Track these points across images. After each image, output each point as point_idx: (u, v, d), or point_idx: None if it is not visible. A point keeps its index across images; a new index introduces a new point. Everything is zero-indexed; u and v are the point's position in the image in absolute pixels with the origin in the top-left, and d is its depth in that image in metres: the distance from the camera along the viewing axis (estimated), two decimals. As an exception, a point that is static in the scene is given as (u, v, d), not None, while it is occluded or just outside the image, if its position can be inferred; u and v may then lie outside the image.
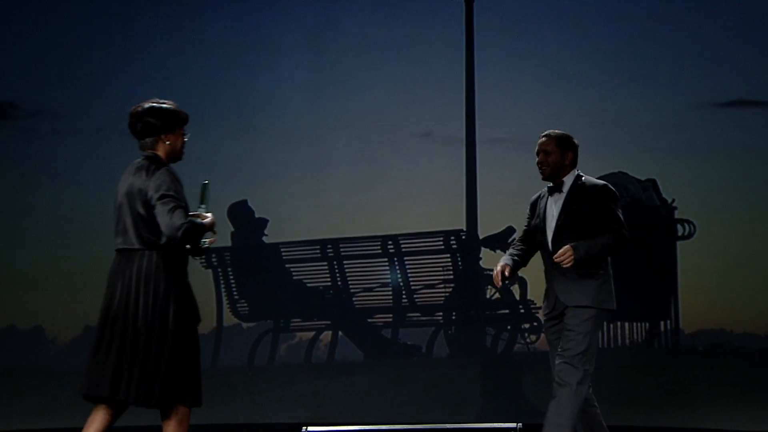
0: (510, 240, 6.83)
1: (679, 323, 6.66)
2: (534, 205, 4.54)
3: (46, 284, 6.96)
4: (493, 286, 6.84)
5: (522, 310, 6.82)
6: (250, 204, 7.04)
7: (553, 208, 4.41)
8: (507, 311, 6.86)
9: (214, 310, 7.02)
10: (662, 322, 6.70)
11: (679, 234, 6.65)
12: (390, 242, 6.96)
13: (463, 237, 6.89)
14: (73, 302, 6.97)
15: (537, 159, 4.45)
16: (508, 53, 6.91)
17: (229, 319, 7.02)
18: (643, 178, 6.75)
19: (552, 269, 4.36)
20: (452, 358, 6.83)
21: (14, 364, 6.99)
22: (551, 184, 4.45)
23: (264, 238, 7.09)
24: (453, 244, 6.88)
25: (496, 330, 6.87)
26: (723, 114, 6.68)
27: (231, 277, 7.14)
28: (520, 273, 6.76)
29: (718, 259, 6.65)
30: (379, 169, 6.96)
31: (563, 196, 4.41)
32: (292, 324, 7.14)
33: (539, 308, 6.80)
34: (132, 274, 3.78)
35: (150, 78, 7.08)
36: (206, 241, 3.93)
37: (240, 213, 7.05)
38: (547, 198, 4.46)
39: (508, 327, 6.85)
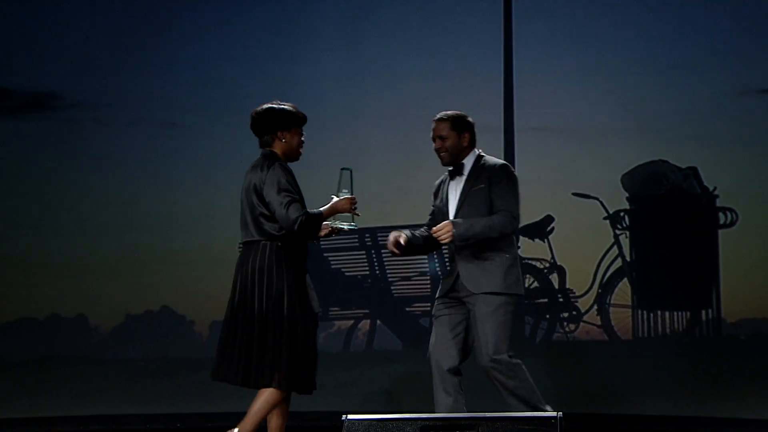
0: (548, 229, 6.80)
1: (721, 312, 6.59)
2: (437, 190, 4.43)
3: (89, 273, 7.05)
4: (532, 275, 6.83)
5: (561, 299, 6.80)
6: (288, 193, 7.07)
7: (454, 191, 4.31)
8: (545, 300, 6.84)
9: (253, 299, 7.05)
10: (704, 312, 6.63)
11: (721, 222, 6.58)
12: (428, 231, 6.95)
13: (502, 226, 6.86)
14: (114, 291, 7.06)
15: (434, 145, 4.32)
16: (546, 41, 6.86)
17: (267, 307, 7.05)
18: (683, 166, 6.69)
19: (457, 253, 4.26)
20: (491, 347, 6.81)
21: (58, 351, 7.09)
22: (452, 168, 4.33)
23: (302, 228, 7.10)
24: (491, 232, 6.85)
25: (534, 319, 6.84)
26: (765, 101, 6.59)
27: (270, 266, 7.18)
28: (558, 262, 6.82)
29: (760, 248, 6.57)
30: (416, 157, 6.94)
31: (464, 178, 4.29)
32: (330, 313, 7.17)
33: (578, 297, 6.78)
34: (250, 265, 4.02)
35: (188, 68, 7.14)
36: (343, 224, 4.17)
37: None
38: (449, 182, 4.35)
39: (547, 316, 6.83)
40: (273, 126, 4.11)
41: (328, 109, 6.99)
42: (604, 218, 6.75)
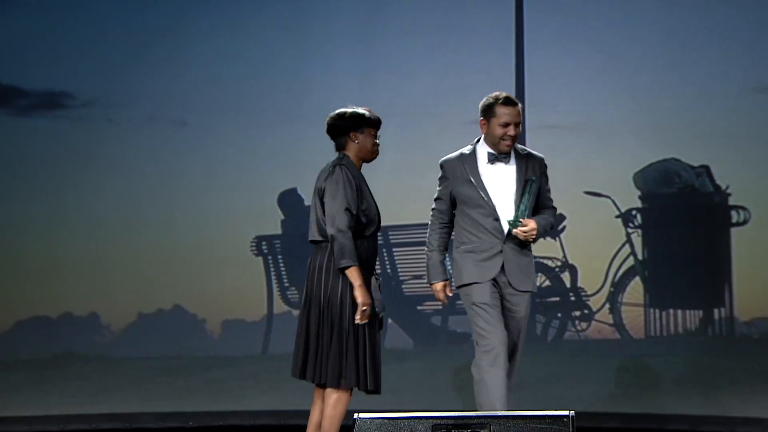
0: (560, 227, 6.79)
1: (734, 311, 6.57)
2: (456, 170, 4.25)
3: (101, 271, 7.07)
4: (544, 274, 6.82)
5: (572, 298, 6.79)
6: (299, 192, 7.08)
7: (500, 178, 4.19)
8: (557, 299, 6.83)
9: (264, 298, 7.07)
10: (716, 310, 6.62)
11: (734, 220, 6.56)
12: (439, 229, 6.94)
13: (513, 224, 6.85)
14: (126, 289, 7.08)
15: (504, 130, 4.14)
16: (558, 39, 6.85)
17: (279, 306, 7.08)
18: (696, 165, 6.66)
19: (502, 245, 4.18)
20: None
21: (70, 349, 7.12)
22: (469, 149, 4.26)
23: (314, 226, 7.11)
24: (503, 231, 6.85)
25: (546, 318, 6.84)
26: (778, 98, 6.57)
27: (281, 264, 7.19)
28: (570, 261, 6.81)
29: (774, 246, 6.55)
30: (429, 156, 6.93)
31: (512, 167, 4.17)
32: (342, 311, 7.16)
33: (590, 295, 6.76)
34: (313, 264, 4.18)
35: (201, 66, 7.15)
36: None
37: (290, 201, 7.09)
38: (481, 164, 4.21)
39: (559, 315, 6.82)
40: (346, 128, 4.24)
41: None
42: (616, 217, 6.74)
